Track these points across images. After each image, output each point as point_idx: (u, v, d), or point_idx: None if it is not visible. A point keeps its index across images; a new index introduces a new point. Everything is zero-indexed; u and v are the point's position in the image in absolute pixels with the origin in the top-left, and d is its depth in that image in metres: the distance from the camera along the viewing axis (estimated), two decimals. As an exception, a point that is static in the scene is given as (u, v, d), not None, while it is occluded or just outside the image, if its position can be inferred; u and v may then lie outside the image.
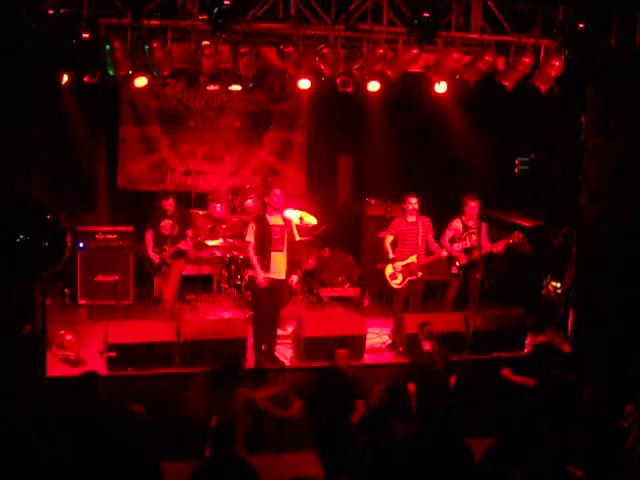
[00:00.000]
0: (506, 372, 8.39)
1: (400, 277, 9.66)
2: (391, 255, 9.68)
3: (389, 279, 9.72)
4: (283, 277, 9.00)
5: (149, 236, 9.96)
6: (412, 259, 9.61)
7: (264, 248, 8.88)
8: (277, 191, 9.06)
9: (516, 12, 9.02)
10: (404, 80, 9.55)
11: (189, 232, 10.00)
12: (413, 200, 9.62)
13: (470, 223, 9.93)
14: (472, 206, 9.87)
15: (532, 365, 8.25)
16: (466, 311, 9.75)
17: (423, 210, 10.02)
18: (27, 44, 7.60)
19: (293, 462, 7.83)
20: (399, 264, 9.64)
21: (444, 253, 9.70)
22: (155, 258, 9.89)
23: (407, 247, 9.64)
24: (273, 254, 8.90)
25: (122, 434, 6.37)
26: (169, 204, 9.95)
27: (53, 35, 7.80)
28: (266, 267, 8.84)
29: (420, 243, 9.61)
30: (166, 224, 9.91)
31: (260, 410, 7.54)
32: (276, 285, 8.99)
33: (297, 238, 9.26)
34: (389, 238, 9.72)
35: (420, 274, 9.67)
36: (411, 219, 9.67)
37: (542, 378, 7.80)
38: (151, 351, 8.56)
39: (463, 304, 10.17)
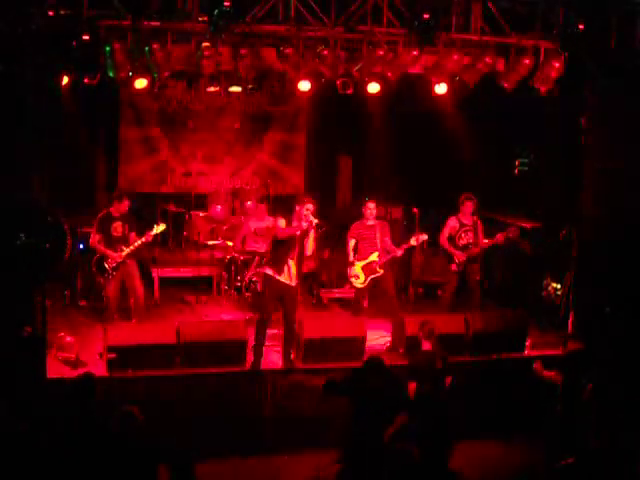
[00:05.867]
0: (538, 366, 8.28)
1: (362, 276, 9.84)
2: (351, 257, 9.88)
3: (352, 280, 9.95)
4: (294, 284, 9.01)
5: (97, 239, 9.67)
6: (373, 257, 9.81)
7: (281, 253, 8.89)
8: (310, 205, 8.89)
9: (516, 13, 9.03)
10: (404, 81, 9.56)
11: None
12: (372, 205, 9.86)
13: (465, 221, 10.16)
14: (468, 205, 10.11)
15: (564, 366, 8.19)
16: (466, 312, 9.77)
17: (422, 210, 10.17)
18: (27, 45, 7.61)
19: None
20: (360, 264, 9.84)
21: (399, 252, 9.88)
22: (118, 258, 9.62)
23: (367, 248, 9.84)
24: (289, 261, 8.90)
25: (120, 436, 6.36)
26: (123, 206, 9.73)
27: (53, 36, 7.81)
28: (279, 269, 8.89)
29: (379, 244, 9.81)
30: (117, 226, 9.70)
31: None
32: (286, 291, 8.98)
33: (309, 252, 9.23)
34: (352, 242, 9.94)
35: (381, 272, 9.79)
36: (370, 222, 9.89)
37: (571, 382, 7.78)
38: (151, 353, 8.54)
39: (463, 305, 10.20)
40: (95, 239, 9.73)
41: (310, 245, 9.01)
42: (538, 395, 8.22)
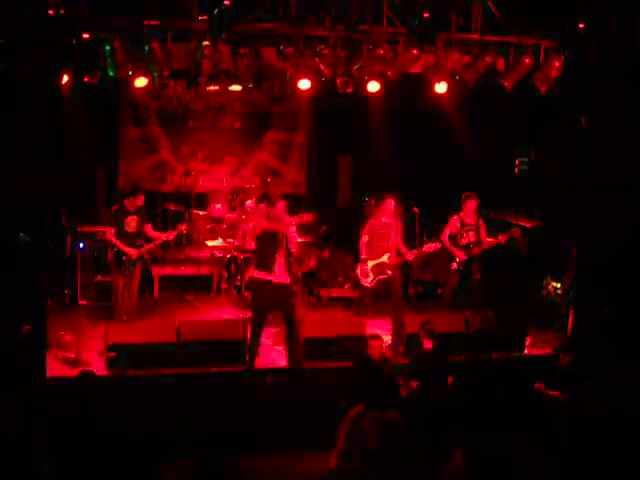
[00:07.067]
0: (539, 386, 8.30)
1: (371, 276, 9.77)
2: (364, 254, 9.76)
3: (360, 277, 9.86)
4: (287, 281, 8.92)
5: (112, 233, 9.64)
6: (384, 258, 9.71)
7: (267, 251, 8.80)
8: (281, 204, 8.84)
9: (516, 12, 9.03)
10: (404, 80, 9.57)
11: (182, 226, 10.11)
12: (392, 202, 9.72)
13: (468, 220, 10.15)
14: (470, 204, 10.10)
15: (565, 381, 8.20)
16: (466, 311, 9.77)
17: (422, 210, 10.15)
18: (27, 45, 7.62)
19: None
20: (371, 263, 9.75)
21: (410, 257, 9.77)
22: (134, 253, 9.64)
23: (379, 247, 9.73)
24: (277, 258, 8.77)
25: (120, 434, 6.37)
26: (139, 200, 9.76)
27: (53, 36, 7.81)
28: (269, 268, 8.82)
29: (391, 244, 9.72)
30: (131, 221, 9.69)
31: None
32: (280, 290, 8.90)
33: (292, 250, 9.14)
34: (365, 238, 9.79)
35: (390, 273, 9.71)
36: (386, 220, 9.74)
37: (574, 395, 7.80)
38: (151, 352, 8.55)
39: (463, 305, 10.20)
40: (111, 232, 9.67)
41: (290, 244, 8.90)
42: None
